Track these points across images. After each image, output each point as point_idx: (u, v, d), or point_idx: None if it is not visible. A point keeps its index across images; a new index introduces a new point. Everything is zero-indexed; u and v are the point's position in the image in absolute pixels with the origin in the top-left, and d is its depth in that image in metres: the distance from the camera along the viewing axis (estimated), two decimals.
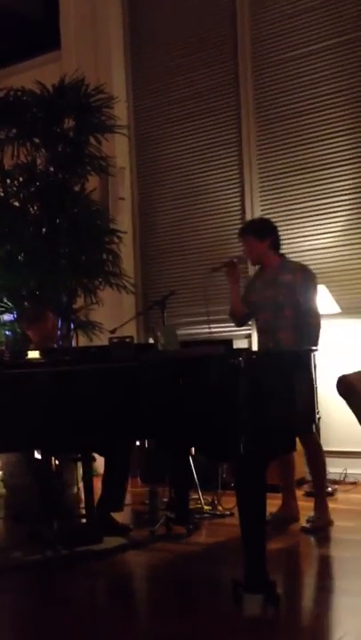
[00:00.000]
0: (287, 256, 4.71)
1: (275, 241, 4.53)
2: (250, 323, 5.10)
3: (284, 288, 4.38)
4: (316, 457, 4.44)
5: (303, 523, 4.36)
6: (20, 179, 5.71)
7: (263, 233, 4.49)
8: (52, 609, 3.38)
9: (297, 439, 4.38)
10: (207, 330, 5.21)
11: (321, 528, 4.26)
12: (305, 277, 4.42)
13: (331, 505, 4.59)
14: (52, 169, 5.69)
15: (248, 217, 6.28)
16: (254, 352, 5.32)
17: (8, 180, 5.70)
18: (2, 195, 5.69)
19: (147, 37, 7.02)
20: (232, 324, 4.87)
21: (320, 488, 4.46)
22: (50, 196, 5.56)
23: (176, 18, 6.80)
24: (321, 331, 4.39)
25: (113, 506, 4.44)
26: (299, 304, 4.35)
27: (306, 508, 4.59)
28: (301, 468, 5.45)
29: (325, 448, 5.05)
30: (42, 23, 7.42)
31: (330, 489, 5.12)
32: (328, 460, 5.06)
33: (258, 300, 4.52)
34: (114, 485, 4.44)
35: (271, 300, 4.41)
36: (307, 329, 4.34)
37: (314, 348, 4.16)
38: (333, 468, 5.17)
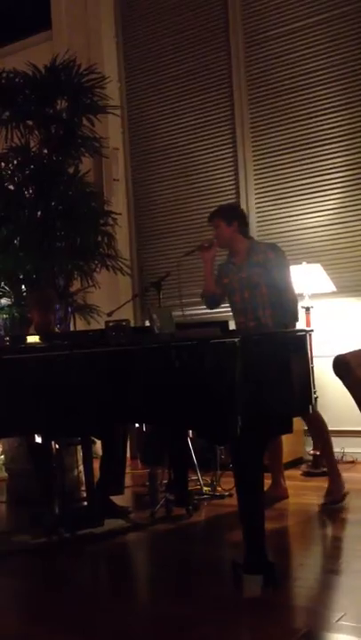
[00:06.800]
0: (274, 236, 4.78)
1: (242, 225, 4.67)
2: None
3: (258, 267, 4.51)
4: (321, 432, 4.51)
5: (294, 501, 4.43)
6: (15, 162, 5.69)
7: (231, 217, 4.62)
8: (54, 591, 3.42)
9: (299, 418, 4.44)
10: (202, 311, 5.22)
11: (337, 501, 4.34)
12: (277, 255, 4.56)
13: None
14: (45, 151, 5.67)
15: (243, 195, 6.28)
16: (250, 333, 5.33)
17: (2, 164, 5.68)
18: None
19: (137, 16, 6.95)
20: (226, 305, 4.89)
21: (329, 462, 4.53)
22: (44, 179, 5.53)
23: None
24: (298, 305, 4.58)
25: (114, 489, 4.47)
26: (274, 282, 4.47)
27: (304, 487, 4.63)
28: (300, 447, 5.49)
29: None
30: (32, 3, 7.34)
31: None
32: None
33: (232, 282, 4.61)
34: (113, 469, 4.47)
35: (246, 281, 4.53)
36: (285, 305, 4.48)
37: (295, 321, 4.48)
38: None
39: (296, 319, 4.52)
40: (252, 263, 4.52)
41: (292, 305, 4.51)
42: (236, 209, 4.90)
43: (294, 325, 4.49)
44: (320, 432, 4.52)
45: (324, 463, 4.67)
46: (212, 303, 4.80)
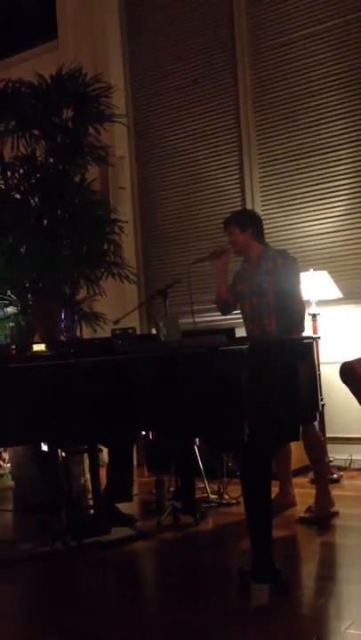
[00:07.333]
0: (280, 243, 4.74)
1: (256, 231, 4.61)
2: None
3: (267, 275, 4.47)
4: (315, 447, 4.44)
5: (302, 509, 4.37)
6: (21, 170, 5.70)
7: (245, 224, 4.59)
8: (60, 599, 3.41)
9: None
10: (209, 318, 5.22)
11: (319, 519, 4.23)
12: (285, 263, 4.49)
13: (336, 492, 4.60)
14: (51, 160, 5.68)
15: (248, 203, 6.28)
16: (257, 341, 5.32)
17: (9, 173, 5.69)
18: (2, 187, 5.68)
19: (143, 25, 6.98)
20: (236, 313, 4.89)
21: (322, 476, 4.46)
22: (50, 188, 5.55)
23: (172, 4, 6.77)
24: (305, 313, 4.48)
25: (122, 497, 4.46)
26: (281, 290, 4.42)
27: (312, 495, 4.60)
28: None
29: (330, 435, 5.05)
30: (38, 13, 7.38)
31: (335, 475, 5.13)
32: (333, 447, 5.07)
33: (243, 289, 4.60)
34: (121, 477, 4.46)
35: (256, 288, 4.50)
36: (291, 313, 4.41)
37: (300, 329, 4.36)
38: (339, 455, 5.17)
39: (301, 327, 4.43)
40: (262, 271, 4.49)
41: (299, 311, 4.44)
42: (250, 215, 4.86)
43: (299, 332, 4.42)
44: (318, 442, 4.48)
45: (315, 475, 4.55)
46: (225, 309, 4.79)
